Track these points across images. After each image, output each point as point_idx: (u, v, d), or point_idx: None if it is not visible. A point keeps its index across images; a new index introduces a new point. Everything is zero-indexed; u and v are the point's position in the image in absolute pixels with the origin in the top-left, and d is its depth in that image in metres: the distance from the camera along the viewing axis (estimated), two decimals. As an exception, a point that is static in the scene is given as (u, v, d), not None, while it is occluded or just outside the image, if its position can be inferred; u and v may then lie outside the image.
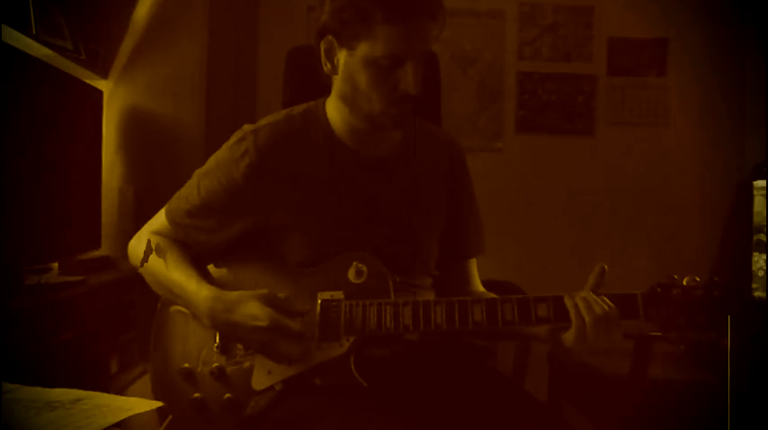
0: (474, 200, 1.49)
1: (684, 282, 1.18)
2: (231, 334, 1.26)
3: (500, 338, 1.82)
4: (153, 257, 1.35)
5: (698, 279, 1.18)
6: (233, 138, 1.34)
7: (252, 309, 1.21)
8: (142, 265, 1.38)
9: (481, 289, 1.49)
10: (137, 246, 1.40)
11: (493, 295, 1.33)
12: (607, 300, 1.17)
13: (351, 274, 1.26)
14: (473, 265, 1.50)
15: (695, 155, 3.24)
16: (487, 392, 1.29)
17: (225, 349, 1.29)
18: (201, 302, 1.26)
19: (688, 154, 3.25)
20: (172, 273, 1.32)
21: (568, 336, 1.18)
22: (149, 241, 1.38)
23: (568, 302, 1.17)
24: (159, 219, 1.40)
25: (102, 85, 2.58)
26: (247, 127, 1.34)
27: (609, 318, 1.15)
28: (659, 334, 1.96)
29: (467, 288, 1.48)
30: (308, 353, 1.22)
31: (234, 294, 1.24)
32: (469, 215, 1.48)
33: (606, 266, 1.20)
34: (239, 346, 1.28)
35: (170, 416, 1.20)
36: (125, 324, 2.37)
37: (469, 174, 1.48)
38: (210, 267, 1.37)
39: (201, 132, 2.68)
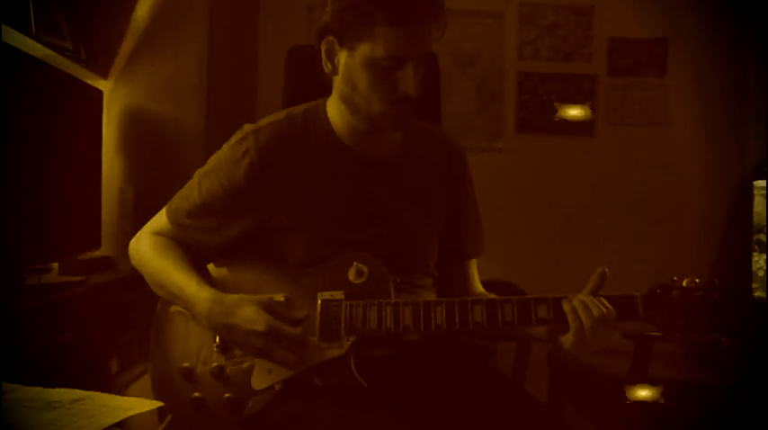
0: (474, 201, 1.49)
1: (684, 284, 1.18)
2: (228, 336, 1.25)
3: (499, 338, 1.82)
4: (153, 258, 1.35)
5: (698, 280, 1.18)
6: (234, 138, 1.34)
7: (249, 313, 1.20)
8: (142, 266, 1.38)
9: (481, 289, 1.49)
10: (137, 246, 1.40)
11: (493, 296, 1.33)
12: (605, 302, 1.17)
13: (351, 274, 1.26)
14: (473, 266, 1.50)
15: (695, 155, 3.24)
16: (487, 392, 1.29)
17: (225, 349, 1.29)
18: (200, 304, 1.26)
19: (688, 154, 3.25)
20: (172, 274, 1.31)
21: (567, 339, 1.18)
22: (149, 242, 1.38)
23: (566, 306, 1.17)
24: (160, 219, 1.40)
25: (102, 84, 2.58)
26: (248, 127, 1.34)
27: (607, 321, 1.15)
28: (659, 334, 1.96)
29: (466, 288, 1.48)
30: (305, 357, 1.22)
31: (233, 297, 1.24)
32: (469, 216, 1.48)
33: (607, 270, 1.20)
34: (239, 346, 1.28)
35: (170, 416, 1.20)
36: (125, 324, 2.37)
37: (470, 176, 1.48)
38: (211, 267, 1.37)
39: (201, 132, 2.67)
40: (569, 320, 1.16)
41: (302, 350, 1.21)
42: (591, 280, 1.20)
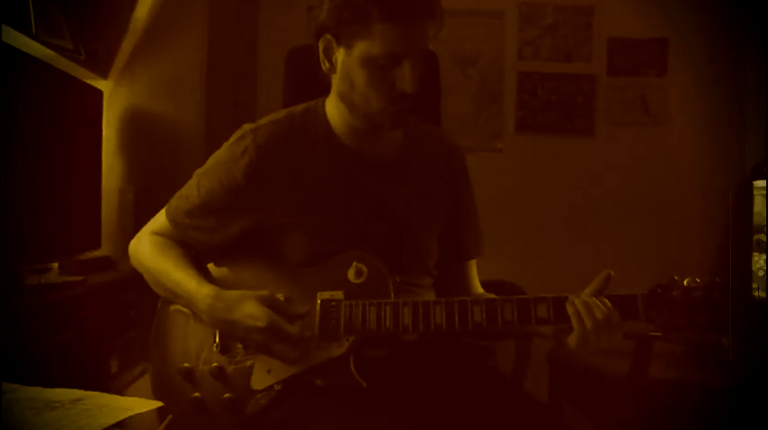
0: (473, 202, 1.49)
1: (685, 283, 1.18)
2: (229, 332, 1.26)
3: (502, 335, 1.82)
4: (153, 257, 1.35)
5: (698, 280, 1.18)
6: (233, 137, 1.34)
7: (251, 309, 1.21)
8: (142, 266, 1.38)
9: (480, 290, 1.49)
10: (137, 246, 1.40)
11: (492, 295, 1.32)
12: (607, 303, 1.16)
13: (350, 274, 1.26)
14: (472, 267, 1.50)
15: (695, 155, 3.24)
16: (487, 392, 1.29)
17: (225, 349, 1.29)
18: (201, 300, 1.26)
19: (688, 154, 3.25)
20: (172, 272, 1.32)
21: (572, 339, 1.18)
22: (149, 241, 1.38)
23: (570, 309, 1.16)
24: (160, 220, 1.40)
25: (102, 85, 2.58)
26: (247, 126, 1.34)
27: (610, 322, 1.15)
28: (659, 334, 1.96)
29: (465, 289, 1.47)
30: (306, 354, 1.22)
31: (234, 293, 1.24)
32: (469, 217, 1.47)
33: (612, 273, 1.19)
34: (239, 346, 1.28)
35: (170, 416, 1.20)
36: (125, 324, 2.37)
37: (469, 177, 1.48)
38: (211, 266, 1.38)
39: (201, 132, 2.68)
40: (573, 323, 1.16)
41: (302, 347, 1.21)
42: (595, 281, 1.19)
